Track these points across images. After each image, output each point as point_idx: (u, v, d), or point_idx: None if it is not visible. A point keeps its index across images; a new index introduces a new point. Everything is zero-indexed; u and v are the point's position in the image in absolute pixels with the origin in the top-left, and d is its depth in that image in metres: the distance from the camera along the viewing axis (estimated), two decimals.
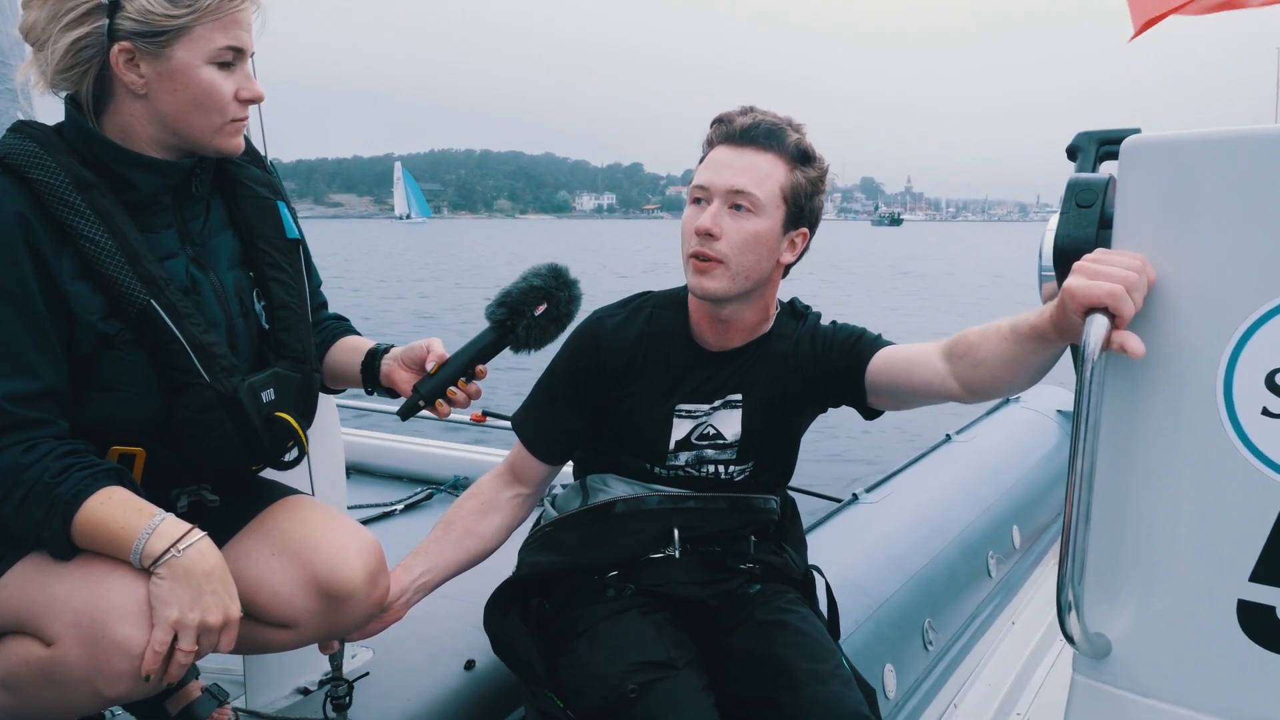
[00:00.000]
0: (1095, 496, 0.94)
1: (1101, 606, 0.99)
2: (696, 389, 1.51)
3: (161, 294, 1.17)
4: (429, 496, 2.91)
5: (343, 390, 1.60)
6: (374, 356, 1.45)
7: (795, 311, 1.58)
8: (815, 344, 1.51)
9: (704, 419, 1.52)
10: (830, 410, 1.58)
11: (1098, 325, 0.92)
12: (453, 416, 1.47)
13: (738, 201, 1.39)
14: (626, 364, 1.51)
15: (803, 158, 1.43)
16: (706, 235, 1.39)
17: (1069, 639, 0.95)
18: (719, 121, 1.45)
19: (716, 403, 1.52)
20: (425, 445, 3.22)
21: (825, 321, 1.56)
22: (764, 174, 1.40)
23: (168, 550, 1.08)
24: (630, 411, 1.52)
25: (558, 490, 1.66)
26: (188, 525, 1.12)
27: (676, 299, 1.56)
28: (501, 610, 1.54)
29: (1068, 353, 1.15)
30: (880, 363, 1.43)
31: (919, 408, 1.50)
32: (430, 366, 1.40)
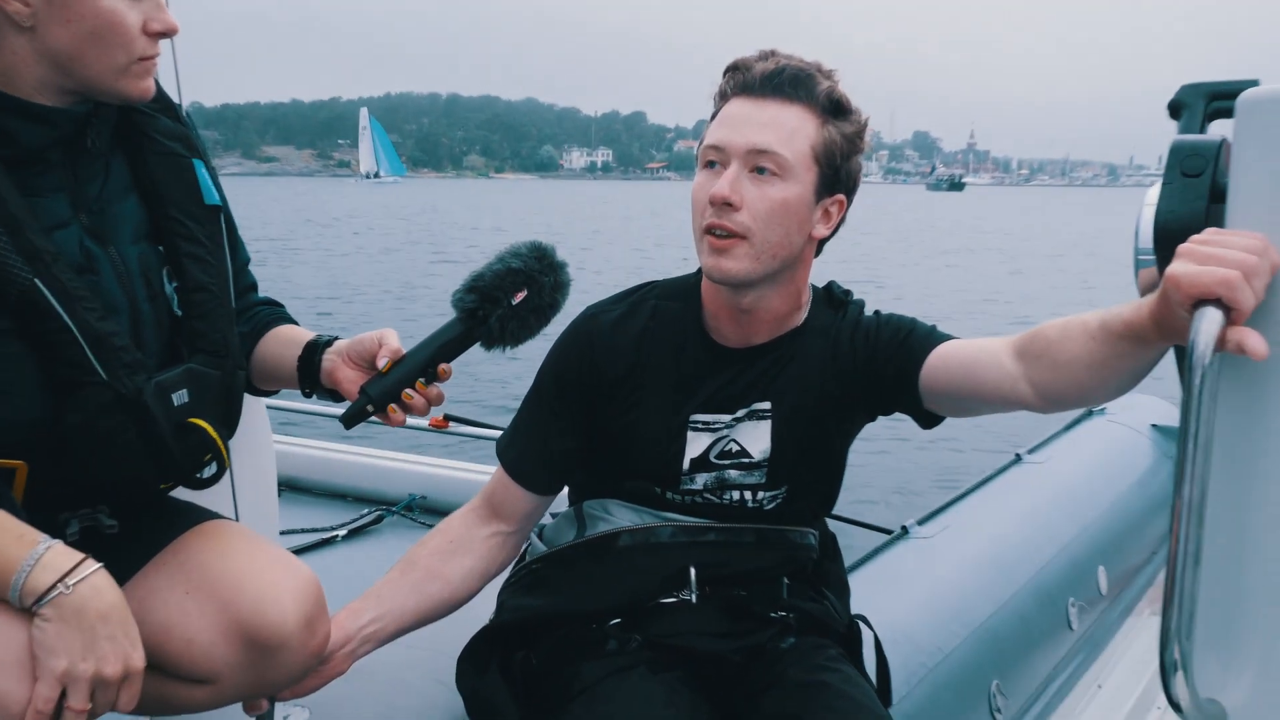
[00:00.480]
0: (1206, 531, 0.93)
1: (1214, 667, 0.99)
2: (714, 396, 1.51)
3: (48, 272, 1.17)
4: (378, 520, 2.92)
5: (275, 391, 1.61)
6: (314, 351, 1.46)
7: (833, 299, 1.58)
8: (858, 339, 1.51)
9: (725, 433, 1.52)
10: (880, 419, 1.58)
11: (1209, 320, 0.91)
12: (409, 424, 1.47)
13: (760, 164, 1.39)
14: (628, 368, 1.52)
15: (836, 109, 1.43)
16: (724, 205, 1.39)
17: (1175, 706, 0.95)
18: (734, 69, 1.45)
19: (739, 413, 1.52)
20: (374, 458, 3.23)
21: (869, 311, 1.56)
22: (791, 130, 1.40)
23: (54, 586, 1.08)
24: (634, 425, 1.52)
25: (547, 521, 1.67)
26: (80, 555, 1.12)
27: (686, 287, 1.56)
28: (478, 664, 1.54)
29: (1169, 355, 1.15)
30: (937, 361, 1.43)
31: (983, 416, 1.50)
32: (382, 364, 1.39)
